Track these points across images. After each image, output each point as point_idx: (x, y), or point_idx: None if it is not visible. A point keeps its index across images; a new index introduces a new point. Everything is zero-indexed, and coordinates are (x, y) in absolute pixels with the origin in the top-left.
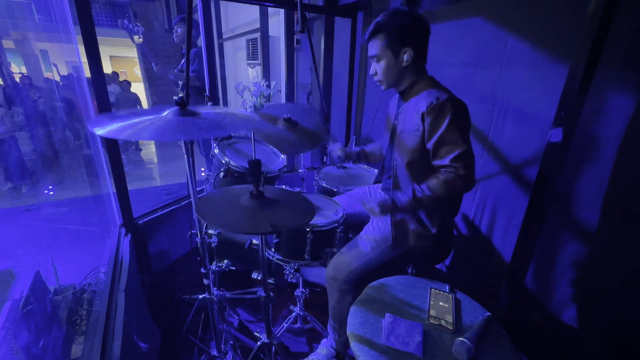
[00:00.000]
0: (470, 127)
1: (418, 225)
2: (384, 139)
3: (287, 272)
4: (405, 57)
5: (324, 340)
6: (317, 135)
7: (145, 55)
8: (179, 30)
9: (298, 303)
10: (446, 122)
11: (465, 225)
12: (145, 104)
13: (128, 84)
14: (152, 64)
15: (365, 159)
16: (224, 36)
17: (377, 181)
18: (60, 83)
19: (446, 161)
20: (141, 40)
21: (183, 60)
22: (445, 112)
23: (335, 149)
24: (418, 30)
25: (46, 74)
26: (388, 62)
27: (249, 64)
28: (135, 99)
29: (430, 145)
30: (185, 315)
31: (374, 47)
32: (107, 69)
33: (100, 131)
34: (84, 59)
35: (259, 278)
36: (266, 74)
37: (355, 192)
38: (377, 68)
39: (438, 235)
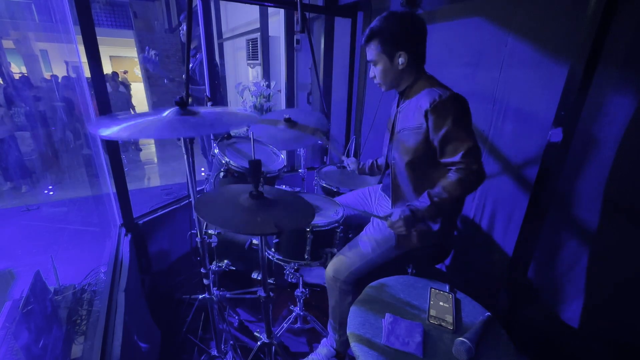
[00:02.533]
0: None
1: (420, 224)
2: (385, 139)
3: (287, 272)
4: (400, 60)
5: (324, 340)
6: (318, 130)
7: (157, 72)
8: (185, 28)
9: (298, 303)
10: (450, 119)
11: (466, 225)
12: (145, 103)
13: (121, 84)
14: (166, 80)
15: (378, 170)
16: (224, 36)
17: (381, 181)
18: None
19: (457, 158)
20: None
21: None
22: (449, 109)
23: (350, 162)
24: (412, 34)
25: (46, 74)
26: (384, 66)
27: (249, 64)
28: (127, 99)
29: (436, 142)
30: (185, 315)
31: (370, 52)
32: (107, 69)
33: (105, 132)
34: (84, 59)
35: (259, 278)
36: (266, 74)
37: (356, 194)
38: (375, 71)
39: (440, 233)
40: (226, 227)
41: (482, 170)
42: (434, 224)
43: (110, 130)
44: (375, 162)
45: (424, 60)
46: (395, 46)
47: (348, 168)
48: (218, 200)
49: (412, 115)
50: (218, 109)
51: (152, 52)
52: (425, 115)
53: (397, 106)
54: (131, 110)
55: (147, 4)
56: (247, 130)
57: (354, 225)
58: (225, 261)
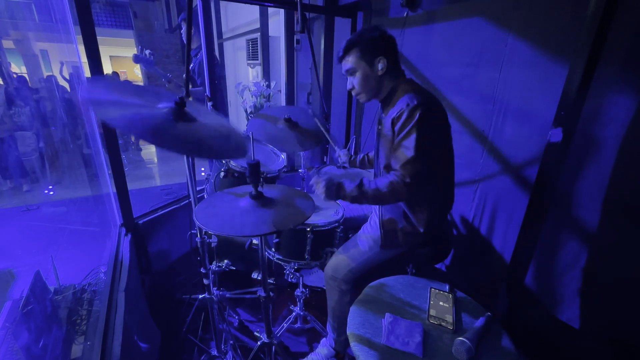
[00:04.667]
0: (443, 134)
1: (406, 224)
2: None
3: (287, 272)
4: (380, 65)
5: (324, 339)
6: (318, 133)
7: (152, 75)
8: (185, 27)
9: (298, 303)
10: (408, 127)
11: (465, 225)
12: None
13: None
14: (164, 80)
15: (369, 164)
16: (224, 36)
17: None
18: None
19: (396, 166)
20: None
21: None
22: (411, 118)
23: (342, 154)
24: (388, 41)
25: (46, 74)
26: (364, 72)
27: (249, 64)
28: None
29: (393, 149)
30: (185, 315)
31: (349, 61)
32: (107, 69)
33: (86, 93)
34: (84, 59)
35: (259, 278)
36: (266, 74)
37: None
38: (353, 82)
39: (427, 234)
40: (227, 232)
41: (415, 187)
42: (419, 226)
43: (96, 96)
44: (366, 155)
45: (400, 68)
46: (375, 51)
47: (340, 159)
48: (218, 203)
49: (388, 123)
50: (218, 123)
51: (147, 51)
52: (392, 123)
53: (380, 115)
54: None
55: (147, 4)
56: (246, 129)
57: (353, 225)
58: (225, 261)
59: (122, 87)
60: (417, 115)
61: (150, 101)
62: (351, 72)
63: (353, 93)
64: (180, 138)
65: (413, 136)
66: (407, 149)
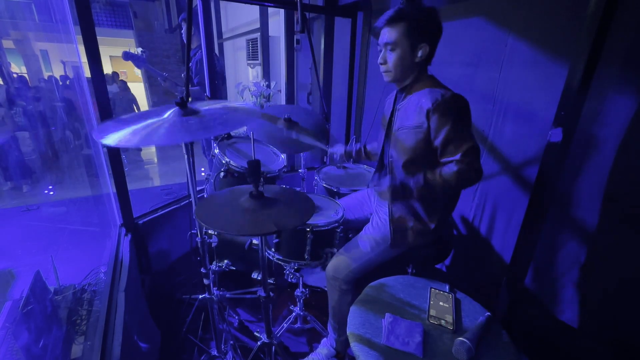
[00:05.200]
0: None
1: (416, 222)
2: (380, 137)
3: (287, 272)
4: (420, 52)
5: (324, 339)
6: (317, 134)
7: (151, 75)
8: (185, 27)
9: (298, 303)
10: (452, 118)
11: (465, 225)
12: (145, 104)
13: (124, 83)
14: (159, 79)
15: (366, 156)
16: (224, 36)
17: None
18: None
19: (457, 156)
20: (166, 80)
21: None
22: (451, 108)
23: (337, 150)
24: (437, 30)
25: (46, 74)
26: (402, 53)
27: (249, 64)
28: (132, 99)
29: (438, 142)
30: (185, 315)
31: (392, 34)
32: (107, 69)
33: (108, 140)
34: (84, 59)
35: (259, 278)
36: (266, 74)
37: (354, 196)
38: (388, 57)
39: (436, 231)
40: (227, 230)
41: (481, 170)
42: (431, 222)
43: (116, 138)
44: (363, 147)
45: (430, 63)
46: (422, 36)
47: (335, 156)
48: (218, 202)
49: (412, 114)
50: (217, 105)
51: (138, 49)
52: (427, 115)
53: (395, 103)
54: (135, 108)
55: (147, 4)
56: (246, 129)
57: (353, 225)
58: (225, 261)
59: (124, 120)
60: (457, 105)
61: (156, 116)
62: (391, 46)
63: (382, 68)
64: (208, 125)
65: (462, 125)
66: (462, 138)
